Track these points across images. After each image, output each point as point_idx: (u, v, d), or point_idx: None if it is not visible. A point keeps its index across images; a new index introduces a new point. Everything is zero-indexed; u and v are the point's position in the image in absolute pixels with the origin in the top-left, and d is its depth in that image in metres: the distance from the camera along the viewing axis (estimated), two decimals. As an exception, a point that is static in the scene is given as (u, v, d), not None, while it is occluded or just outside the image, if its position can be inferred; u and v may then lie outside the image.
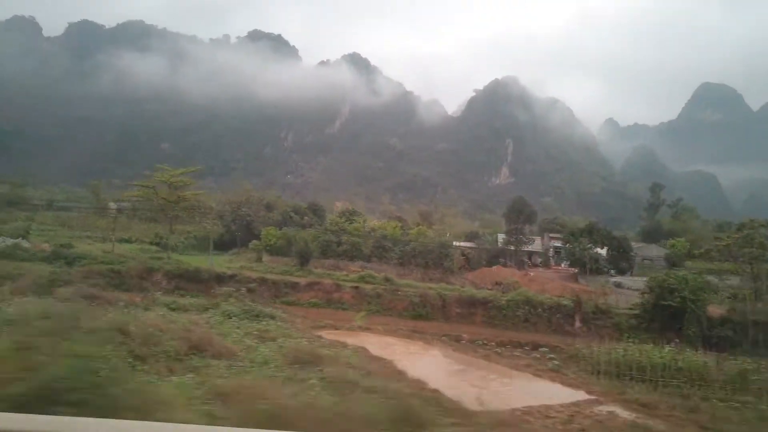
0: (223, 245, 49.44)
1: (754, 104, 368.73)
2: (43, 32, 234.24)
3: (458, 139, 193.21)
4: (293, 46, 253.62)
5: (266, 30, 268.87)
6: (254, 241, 43.59)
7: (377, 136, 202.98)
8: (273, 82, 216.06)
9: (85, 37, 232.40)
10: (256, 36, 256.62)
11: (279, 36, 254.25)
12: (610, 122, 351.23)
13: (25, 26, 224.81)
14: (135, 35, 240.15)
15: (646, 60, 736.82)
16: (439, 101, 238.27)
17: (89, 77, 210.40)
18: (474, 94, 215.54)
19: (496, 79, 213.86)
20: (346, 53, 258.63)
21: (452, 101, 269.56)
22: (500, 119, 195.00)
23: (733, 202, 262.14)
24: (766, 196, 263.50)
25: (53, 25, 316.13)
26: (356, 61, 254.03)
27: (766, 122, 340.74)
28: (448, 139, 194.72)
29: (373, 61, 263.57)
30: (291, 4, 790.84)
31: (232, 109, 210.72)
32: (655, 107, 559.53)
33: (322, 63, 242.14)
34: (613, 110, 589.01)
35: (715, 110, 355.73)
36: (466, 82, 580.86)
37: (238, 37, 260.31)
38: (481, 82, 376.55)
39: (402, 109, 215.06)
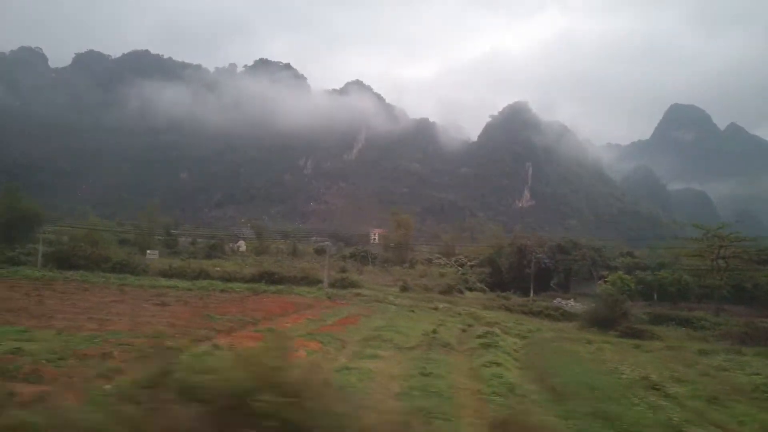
0: (497, 287, 46.01)
1: (721, 124, 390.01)
2: (49, 63, 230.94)
3: (479, 164, 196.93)
4: (302, 74, 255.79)
5: (273, 59, 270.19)
6: (603, 285, 40.45)
7: (396, 161, 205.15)
8: (287, 110, 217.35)
9: (93, 68, 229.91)
10: (263, 65, 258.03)
11: (288, 64, 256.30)
12: (585, 142, 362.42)
13: (33, 57, 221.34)
14: (142, 65, 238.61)
15: (618, 82, 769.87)
16: (448, 127, 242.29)
17: (101, 108, 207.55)
18: (490, 119, 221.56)
19: (510, 104, 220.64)
20: (350, 80, 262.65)
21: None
22: (517, 143, 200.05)
23: (722, 218, 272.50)
24: (753, 212, 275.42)
25: (59, 56, 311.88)
26: (360, 88, 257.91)
27: (732, 140, 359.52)
28: (469, 164, 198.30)
29: (375, 89, 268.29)
30: (283, 32, 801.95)
31: (249, 138, 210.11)
32: (624, 127, 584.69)
33: (338, 90, 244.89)
34: (585, 130, 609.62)
35: (686, 130, 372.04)
36: (451, 104, 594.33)
37: (245, 66, 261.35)
38: (465, 106, 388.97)
39: (419, 135, 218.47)
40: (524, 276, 46.97)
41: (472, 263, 53.12)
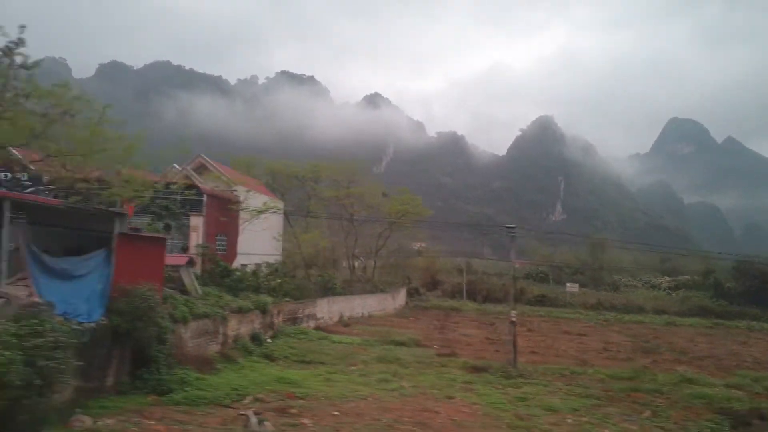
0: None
1: (718, 137, 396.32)
2: (73, 73, 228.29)
3: (511, 178, 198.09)
4: (325, 87, 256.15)
5: (295, 71, 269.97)
6: None
7: (426, 175, 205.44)
8: (313, 122, 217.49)
9: (117, 78, 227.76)
10: (285, 77, 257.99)
11: (311, 77, 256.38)
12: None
13: (57, 68, 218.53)
14: (165, 76, 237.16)
15: (617, 96, 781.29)
16: (475, 140, 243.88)
17: (128, 119, 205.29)
18: (520, 133, 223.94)
19: (539, 118, 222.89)
20: (368, 93, 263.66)
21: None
22: (547, 157, 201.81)
23: (734, 232, 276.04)
24: (760, 224, 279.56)
25: (77, 66, 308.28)
26: (382, 101, 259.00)
27: (730, 154, 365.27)
28: (501, 178, 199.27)
29: (393, 101, 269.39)
30: (289, 44, 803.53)
31: (276, 149, 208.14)
32: (620, 140, 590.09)
33: (362, 103, 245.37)
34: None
35: (685, 143, 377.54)
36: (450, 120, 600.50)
37: (267, 78, 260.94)
38: (462, 120, 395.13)
39: (446, 149, 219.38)
40: (760, 301, 44.67)
41: (668, 285, 51.58)
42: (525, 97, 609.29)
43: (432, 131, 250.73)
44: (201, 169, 31.66)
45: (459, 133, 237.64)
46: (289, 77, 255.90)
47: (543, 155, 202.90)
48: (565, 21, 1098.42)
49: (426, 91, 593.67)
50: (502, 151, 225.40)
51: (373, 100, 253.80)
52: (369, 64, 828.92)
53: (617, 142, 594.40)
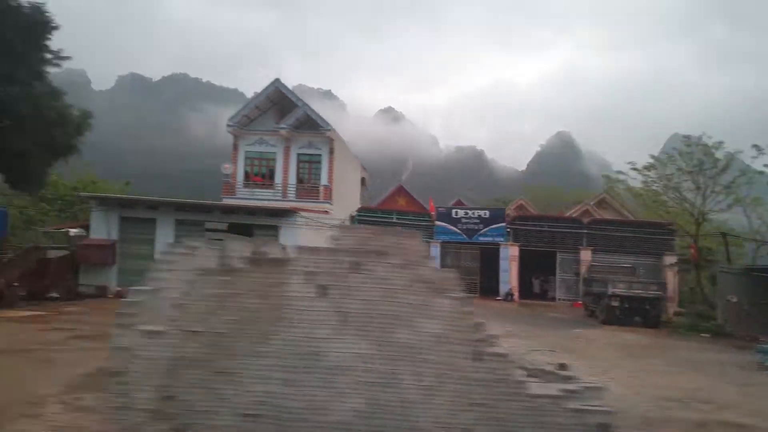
0: None
1: (719, 153, 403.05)
2: (92, 85, 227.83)
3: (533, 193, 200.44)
4: (342, 101, 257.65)
5: (310, 85, 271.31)
6: None
7: (449, 189, 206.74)
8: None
9: (137, 90, 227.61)
10: (301, 90, 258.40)
11: (329, 91, 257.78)
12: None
13: (77, 80, 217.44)
14: (183, 88, 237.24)
15: (619, 113, 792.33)
16: (496, 154, 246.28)
17: (151, 131, 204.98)
18: (539, 148, 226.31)
19: (558, 134, 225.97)
20: (382, 107, 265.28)
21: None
22: (568, 173, 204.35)
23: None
24: None
25: (99, 77, 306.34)
26: (396, 114, 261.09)
27: (732, 170, 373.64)
28: (523, 192, 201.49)
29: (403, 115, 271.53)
30: (292, 58, 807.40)
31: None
32: (620, 154, 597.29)
33: (377, 116, 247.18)
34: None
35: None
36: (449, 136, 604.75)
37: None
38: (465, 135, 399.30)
39: (465, 163, 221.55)
40: None
41: None
42: (531, 113, 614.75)
43: (443, 145, 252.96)
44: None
45: (477, 147, 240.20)
46: (305, 90, 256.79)
47: (563, 170, 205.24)
48: (571, 40, 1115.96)
49: (436, 105, 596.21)
50: (518, 165, 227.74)
51: (389, 113, 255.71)
52: (378, 78, 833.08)
53: (616, 158, 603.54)
